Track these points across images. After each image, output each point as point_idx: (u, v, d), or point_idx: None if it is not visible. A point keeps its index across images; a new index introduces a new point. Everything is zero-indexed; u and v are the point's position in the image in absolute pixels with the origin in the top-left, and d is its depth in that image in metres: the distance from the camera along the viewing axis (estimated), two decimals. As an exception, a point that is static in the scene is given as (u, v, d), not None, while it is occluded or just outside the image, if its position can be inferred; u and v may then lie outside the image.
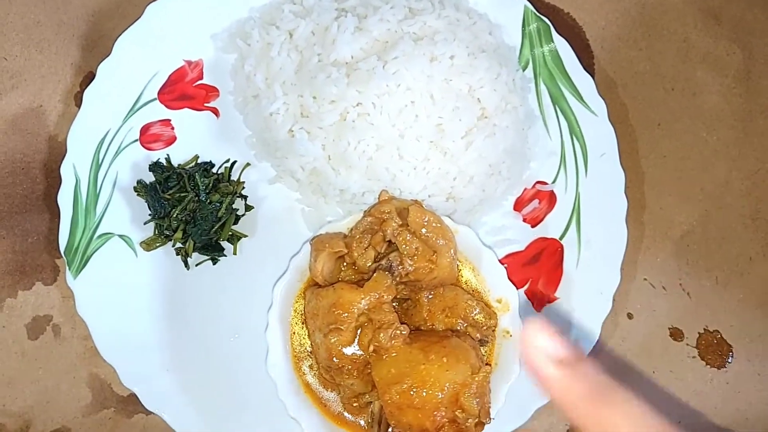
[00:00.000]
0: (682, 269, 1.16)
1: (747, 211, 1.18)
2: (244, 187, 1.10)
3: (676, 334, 1.15)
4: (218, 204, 1.06)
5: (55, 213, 1.07)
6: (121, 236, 1.06)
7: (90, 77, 1.11)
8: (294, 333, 1.02)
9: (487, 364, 0.97)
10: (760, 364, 1.14)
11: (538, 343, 0.67)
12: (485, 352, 1.01)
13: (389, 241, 0.97)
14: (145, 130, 1.09)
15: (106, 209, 1.06)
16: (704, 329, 1.15)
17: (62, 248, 1.03)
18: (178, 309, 1.07)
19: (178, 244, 1.07)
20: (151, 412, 1.02)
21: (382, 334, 0.90)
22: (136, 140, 1.08)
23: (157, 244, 1.07)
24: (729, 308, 1.16)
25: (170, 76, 1.10)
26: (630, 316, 1.15)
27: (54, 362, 1.09)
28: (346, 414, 1.00)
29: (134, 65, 1.08)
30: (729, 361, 1.14)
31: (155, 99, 1.09)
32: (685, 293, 1.16)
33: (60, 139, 1.14)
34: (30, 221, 1.12)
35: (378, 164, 1.03)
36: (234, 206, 1.08)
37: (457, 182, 1.06)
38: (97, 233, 1.05)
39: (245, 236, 1.09)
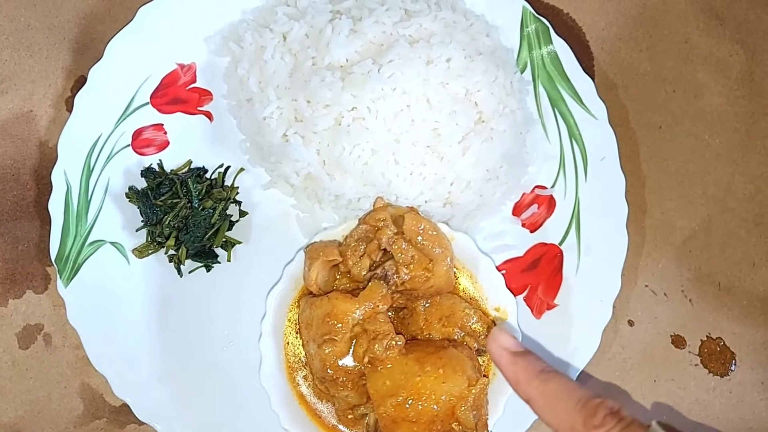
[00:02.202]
0: (684, 275, 1.14)
1: (750, 216, 1.16)
2: (237, 193, 1.08)
3: (678, 342, 1.13)
4: (211, 210, 1.05)
5: (45, 220, 1.06)
6: (112, 243, 1.05)
7: (81, 81, 1.09)
8: (288, 343, 1.01)
9: (484, 375, 0.96)
10: (763, 372, 1.13)
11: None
12: (483, 362, 0.99)
13: (384, 250, 0.96)
14: (137, 134, 1.07)
15: (97, 216, 1.05)
16: (707, 336, 1.13)
17: (53, 256, 1.02)
18: (171, 317, 1.05)
19: (171, 251, 1.05)
20: (143, 423, 1.01)
21: (377, 345, 0.89)
22: (128, 145, 1.07)
23: (150, 252, 1.05)
24: (732, 315, 1.14)
25: (163, 79, 1.08)
26: (631, 323, 1.13)
27: (45, 372, 1.08)
28: (340, 426, 0.99)
29: (126, 69, 1.06)
30: (732, 369, 1.13)
31: (147, 103, 1.08)
32: (687, 300, 1.14)
33: (51, 145, 1.12)
34: (20, 228, 1.11)
35: (373, 169, 1.01)
36: (228, 212, 1.07)
37: (454, 187, 1.05)
38: (89, 240, 1.04)
39: (239, 243, 1.08)
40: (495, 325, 0.99)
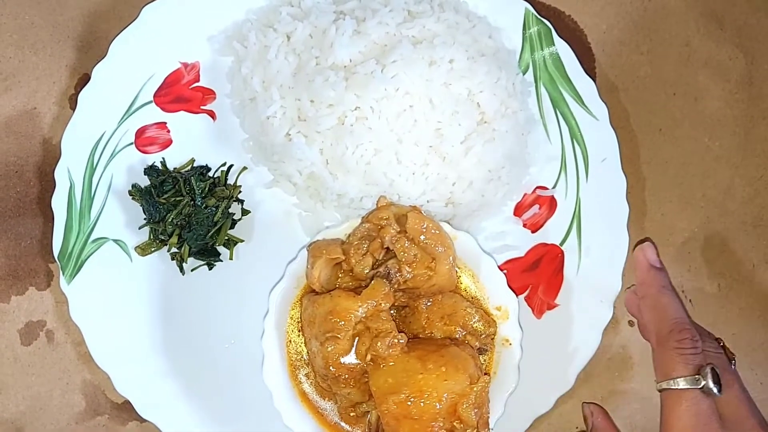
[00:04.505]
0: (684, 276, 1.15)
1: (749, 218, 1.17)
2: (240, 191, 1.09)
3: (678, 342, 1.14)
4: (214, 208, 1.05)
5: (48, 217, 1.06)
6: (115, 241, 1.05)
7: (85, 79, 1.09)
8: (290, 341, 1.01)
9: (485, 373, 0.96)
10: (763, 372, 1.13)
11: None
12: (484, 361, 1.00)
13: (387, 248, 0.96)
14: (140, 133, 1.08)
15: (100, 213, 1.05)
16: (706, 337, 1.14)
17: (56, 253, 1.02)
18: (174, 315, 1.05)
19: (174, 249, 1.05)
20: (145, 420, 1.01)
21: (379, 343, 0.89)
22: (132, 143, 1.07)
23: (152, 249, 1.05)
24: (731, 316, 1.15)
25: (166, 78, 1.08)
26: (631, 323, 1.14)
27: (47, 368, 1.08)
28: (342, 424, 0.99)
29: (130, 67, 1.06)
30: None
31: (151, 101, 1.08)
32: (687, 300, 1.15)
33: (54, 142, 1.12)
34: (23, 225, 1.11)
35: (376, 169, 1.02)
36: (230, 210, 1.07)
37: (456, 187, 1.05)
38: (92, 238, 1.04)
39: (241, 241, 1.08)
40: (496, 322, 1.00)
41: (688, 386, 0.79)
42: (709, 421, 0.78)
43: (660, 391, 0.83)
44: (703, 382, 0.78)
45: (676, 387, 0.80)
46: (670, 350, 0.83)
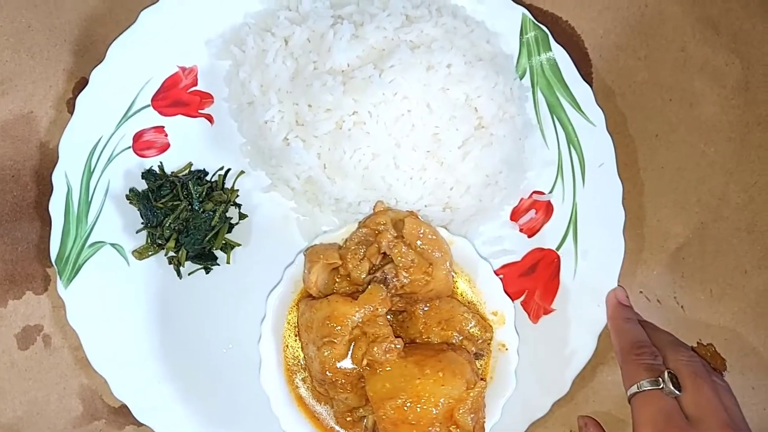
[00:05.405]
0: (677, 282, 1.16)
1: (743, 224, 1.17)
2: (238, 196, 1.09)
3: (671, 347, 1.15)
4: (212, 213, 1.05)
5: (46, 221, 1.06)
6: (113, 245, 1.05)
7: (82, 83, 1.09)
8: (287, 345, 1.01)
9: (482, 378, 0.97)
10: (754, 377, 1.14)
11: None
12: (481, 365, 1.00)
13: (384, 253, 0.96)
14: (138, 137, 1.08)
15: (97, 217, 1.05)
16: (698, 343, 1.15)
17: (53, 257, 1.02)
18: (171, 319, 1.06)
19: (171, 253, 1.06)
20: (142, 424, 1.02)
21: (376, 348, 0.89)
22: (129, 147, 1.07)
23: (150, 253, 1.06)
24: (723, 322, 1.15)
25: (164, 82, 1.08)
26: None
27: (44, 373, 1.08)
28: (339, 428, 0.99)
29: (128, 71, 1.06)
30: (723, 374, 1.14)
31: (149, 105, 1.08)
32: (680, 306, 1.15)
33: (51, 146, 1.12)
34: (20, 229, 1.11)
35: (374, 174, 1.02)
36: (228, 215, 1.07)
37: (453, 192, 1.06)
38: (89, 242, 1.04)
39: (239, 245, 1.08)
40: (492, 327, 1.01)
41: (651, 387, 0.89)
42: (671, 416, 0.86)
43: (629, 400, 0.92)
44: (662, 384, 0.89)
45: (641, 389, 0.90)
46: (632, 362, 0.94)
